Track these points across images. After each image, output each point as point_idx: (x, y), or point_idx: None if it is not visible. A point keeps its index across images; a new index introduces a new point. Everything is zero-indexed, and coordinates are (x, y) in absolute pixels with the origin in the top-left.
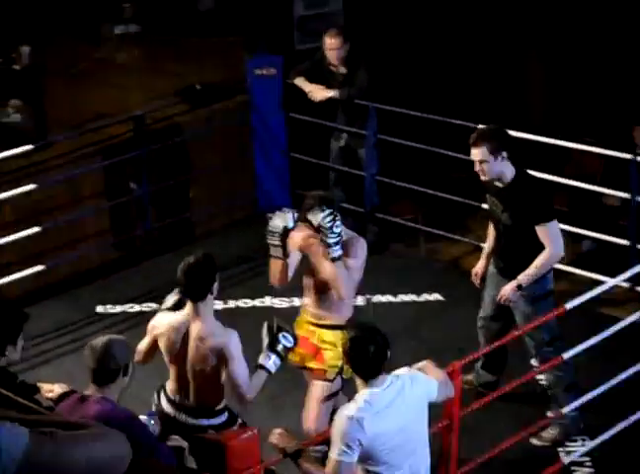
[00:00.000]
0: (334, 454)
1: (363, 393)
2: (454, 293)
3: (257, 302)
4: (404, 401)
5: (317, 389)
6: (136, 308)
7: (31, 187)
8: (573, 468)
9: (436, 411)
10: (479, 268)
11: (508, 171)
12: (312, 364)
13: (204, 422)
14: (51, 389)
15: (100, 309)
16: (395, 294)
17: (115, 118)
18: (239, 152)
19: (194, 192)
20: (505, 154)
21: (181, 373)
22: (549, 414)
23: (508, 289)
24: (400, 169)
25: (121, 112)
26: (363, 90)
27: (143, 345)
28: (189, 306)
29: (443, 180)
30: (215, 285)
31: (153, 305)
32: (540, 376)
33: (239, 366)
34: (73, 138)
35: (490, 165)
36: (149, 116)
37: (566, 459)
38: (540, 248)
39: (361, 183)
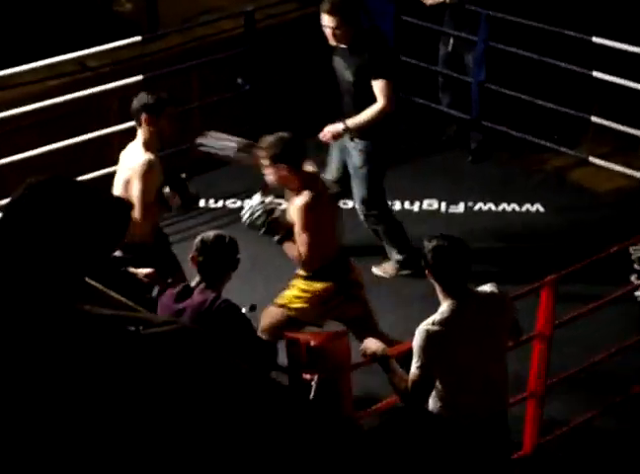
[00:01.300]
0: (413, 367)
1: (444, 305)
2: (556, 205)
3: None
4: (485, 316)
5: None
6: (238, 204)
7: (138, 78)
8: None
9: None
10: None
11: (352, 33)
12: None
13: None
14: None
15: (202, 204)
16: (497, 203)
17: (225, 12)
18: None
19: (301, 90)
20: (353, 21)
21: None
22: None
23: (331, 128)
24: (510, 79)
25: (233, 6)
26: None
27: None
28: None
29: (553, 91)
30: None
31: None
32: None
33: None
34: (183, 31)
35: (340, 31)
36: (260, 11)
37: None
38: None
39: (468, 89)
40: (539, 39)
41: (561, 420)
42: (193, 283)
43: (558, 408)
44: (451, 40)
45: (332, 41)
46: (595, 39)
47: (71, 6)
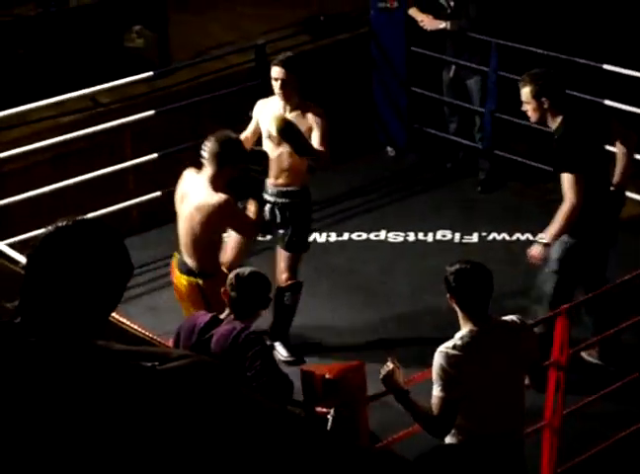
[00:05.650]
0: (435, 391)
1: (465, 330)
2: None
3: (372, 236)
4: (505, 343)
5: None
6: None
7: (150, 113)
8: None
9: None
10: None
11: (552, 117)
12: None
13: None
14: None
15: None
16: (511, 233)
17: (237, 46)
18: (359, 85)
19: None
20: (548, 99)
21: None
22: None
23: (533, 251)
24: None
25: (244, 40)
26: (474, 22)
27: None
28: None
29: None
30: None
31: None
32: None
33: None
34: (195, 66)
35: (532, 107)
36: (271, 45)
37: None
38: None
39: (472, 115)
40: (547, 65)
41: (578, 449)
42: (222, 316)
43: (574, 437)
44: (453, 67)
45: (531, 119)
46: (605, 67)
47: (83, 42)
